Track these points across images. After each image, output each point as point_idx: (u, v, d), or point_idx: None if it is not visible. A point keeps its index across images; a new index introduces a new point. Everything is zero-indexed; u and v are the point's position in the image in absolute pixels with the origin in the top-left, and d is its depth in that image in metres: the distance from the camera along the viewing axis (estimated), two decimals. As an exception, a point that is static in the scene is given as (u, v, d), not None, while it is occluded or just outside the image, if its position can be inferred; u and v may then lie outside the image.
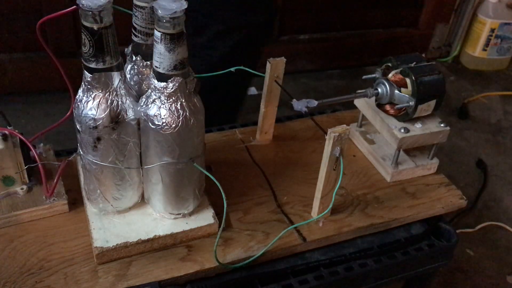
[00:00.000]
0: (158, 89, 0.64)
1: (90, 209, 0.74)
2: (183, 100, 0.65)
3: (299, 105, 0.76)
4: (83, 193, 0.75)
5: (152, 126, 0.65)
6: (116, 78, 0.64)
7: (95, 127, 0.64)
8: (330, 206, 0.77)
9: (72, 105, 0.68)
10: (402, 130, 0.83)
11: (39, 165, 0.73)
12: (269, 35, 1.26)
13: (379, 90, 0.85)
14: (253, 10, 1.15)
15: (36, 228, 0.74)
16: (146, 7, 0.66)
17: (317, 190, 0.76)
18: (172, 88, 0.64)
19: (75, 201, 0.77)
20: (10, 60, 1.87)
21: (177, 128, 0.65)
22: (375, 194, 0.85)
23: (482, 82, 2.20)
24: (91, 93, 0.64)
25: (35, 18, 1.78)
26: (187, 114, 0.65)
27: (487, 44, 2.20)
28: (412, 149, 0.89)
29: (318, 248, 0.78)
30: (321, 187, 0.75)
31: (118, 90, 0.65)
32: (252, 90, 2.10)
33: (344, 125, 0.70)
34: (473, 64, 2.27)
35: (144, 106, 0.66)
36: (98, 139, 0.66)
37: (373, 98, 0.86)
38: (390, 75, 0.84)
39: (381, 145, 0.92)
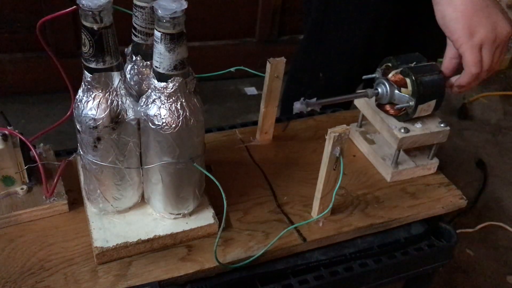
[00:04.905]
0: (158, 89, 0.64)
1: (90, 209, 0.74)
2: (183, 100, 0.65)
3: (300, 106, 0.76)
4: (83, 193, 0.75)
5: (152, 126, 0.65)
6: (116, 78, 0.64)
7: (95, 127, 0.64)
8: (330, 206, 0.77)
9: (72, 105, 0.68)
10: (402, 130, 0.83)
11: (39, 165, 0.73)
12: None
13: (379, 90, 0.84)
14: None
15: (36, 228, 0.74)
16: (146, 7, 0.66)
17: (317, 190, 0.76)
18: (172, 88, 0.64)
19: (75, 201, 0.77)
20: (10, 60, 1.87)
21: (177, 128, 0.65)
22: (375, 194, 0.85)
23: (482, 82, 2.20)
24: (91, 93, 0.64)
25: (35, 18, 1.78)
26: (187, 114, 0.65)
27: (487, 44, 2.19)
28: (412, 149, 0.89)
29: (318, 248, 0.78)
30: (321, 187, 0.75)
31: (118, 90, 0.65)
32: (252, 90, 2.10)
33: (344, 125, 0.70)
34: (473, 64, 2.26)
35: (144, 106, 0.66)
36: (98, 139, 0.66)
37: (373, 98, 0.86)
38: (390, 75, 0.84)
39: (381, 145, 0.92)
